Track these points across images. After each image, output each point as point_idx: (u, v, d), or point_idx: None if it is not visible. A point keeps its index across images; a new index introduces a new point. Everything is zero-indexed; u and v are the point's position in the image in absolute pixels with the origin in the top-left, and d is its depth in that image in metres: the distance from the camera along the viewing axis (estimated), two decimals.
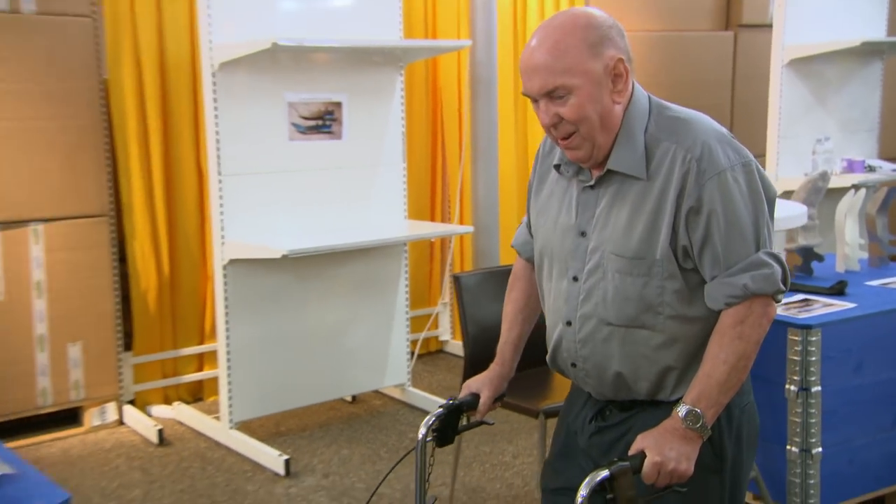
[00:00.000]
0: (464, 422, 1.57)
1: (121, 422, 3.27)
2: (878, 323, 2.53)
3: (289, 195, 3.13)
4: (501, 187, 4.17)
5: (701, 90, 4.80)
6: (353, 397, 3.53)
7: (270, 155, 3.07)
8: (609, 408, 1.45)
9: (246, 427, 3.09)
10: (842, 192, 3.20)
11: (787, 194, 2.95)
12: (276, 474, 2.84)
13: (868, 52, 4.18)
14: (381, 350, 3.44)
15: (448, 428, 1.52)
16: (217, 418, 3.17)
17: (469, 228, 3.87)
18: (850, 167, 4.00)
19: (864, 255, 2.99)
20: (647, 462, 1.22)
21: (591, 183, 1.38)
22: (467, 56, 3.90)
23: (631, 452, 1.26)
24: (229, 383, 3.01)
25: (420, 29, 3.99)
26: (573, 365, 1.45)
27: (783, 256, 1.35)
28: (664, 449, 1.23)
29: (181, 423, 3.32)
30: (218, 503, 2.68)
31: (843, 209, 2.93)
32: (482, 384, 1.56)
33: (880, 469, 2.59)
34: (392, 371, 3.44)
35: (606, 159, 1.35)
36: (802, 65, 4.05)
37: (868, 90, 4.39)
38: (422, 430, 1.49)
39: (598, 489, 1.19)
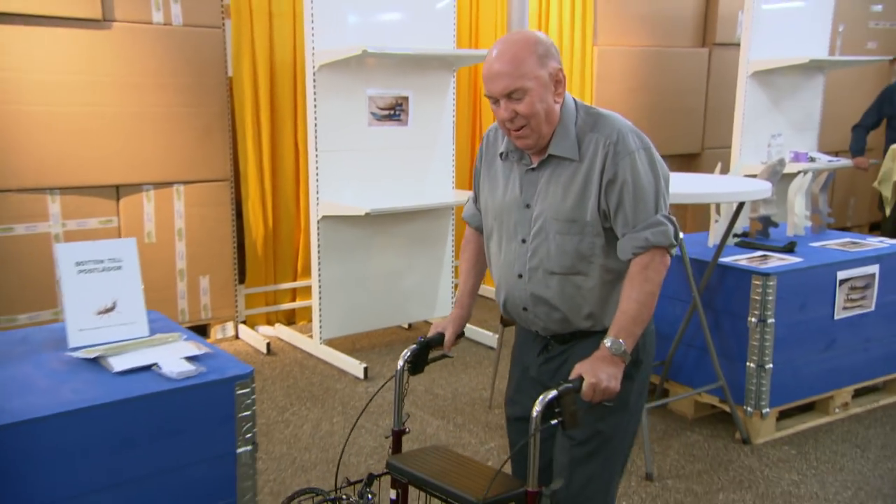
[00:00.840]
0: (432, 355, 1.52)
1: (237, 336, 3.35)
2: (818, 273, 2.52)
3: (367, 167, 3.16)
4: None
5: (682, 95, 4.68)
6: (409, 325, 3.56)
7: (354, 136, 3.09)
8: (551, 342, 1.44)
9: (330, 343, 3.14)
10: (791, 176, 3.17)
11: (752, 176, 2.91)
12: (357, 378, 2.92)
13: (813, 67, 4.06)
14: (431, 289, 3.46)
15: (420, 360, 1.48)
16: (310, 336, 3.24)
17: None
18: (797, 158, 3.92)
19: (808, 223, 2.98)
20: (584, 383, 1.21)
21: (534, 166, 1.37)
22: None
23: (571, 377, 1.23)
24: (320, 309, 3.08)
25: (466, 38, 3.93)
26: (524, 309, 1.42)
27: (674, 219, 1.35)
28: (598, 372, 1.22)
29: (281, 340, 3.39)
30: (315, 396, 2.77)
31: (794, 188, 2.94)
32: (447, 325, 1.52)
33: (814, 381, 2.60)
34: (440, 305, 3.48)
35: (547, 147, 1.35)
36: (762, 76, 3.94)
37: (812, 97, 4.27)
38: (399, 363, 1.47)
39: (549, 406, 1.19)
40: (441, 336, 1.50)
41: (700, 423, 2.59)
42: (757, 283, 2.34)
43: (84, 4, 2.74)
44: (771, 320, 2.34)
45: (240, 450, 1.39)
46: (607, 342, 1.26)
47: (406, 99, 3.21)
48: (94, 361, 1.42)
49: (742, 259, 2.49)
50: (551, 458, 1.40)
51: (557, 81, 1.30)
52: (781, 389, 2.45)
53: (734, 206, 2.51)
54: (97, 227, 2.92)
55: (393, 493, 1.39)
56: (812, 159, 3.97)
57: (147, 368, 1.38)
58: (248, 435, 1.40)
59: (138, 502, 1.31)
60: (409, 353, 1.45)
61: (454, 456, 1.46)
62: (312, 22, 2.89)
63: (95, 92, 2.84)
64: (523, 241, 1.38)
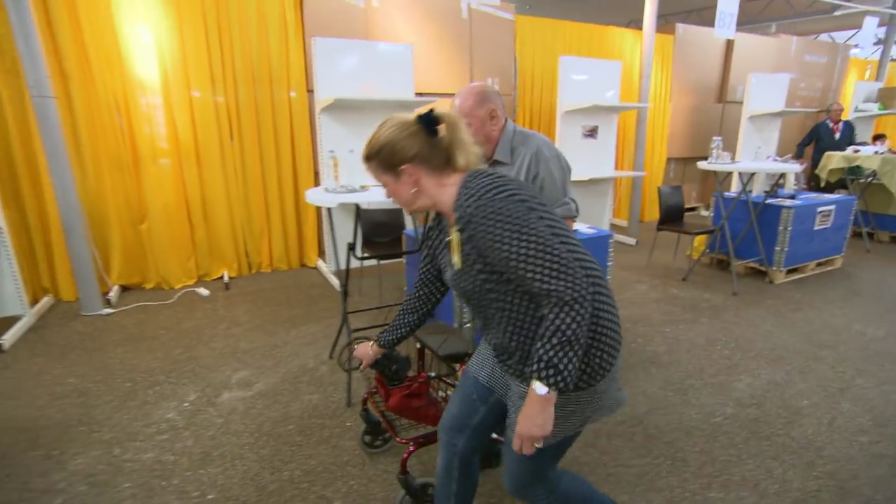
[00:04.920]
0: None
1: None
2: (807, 209, 4.31)
3: None
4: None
5: (708, 135, 6.79)
6: None
7: None
8: None
9: None
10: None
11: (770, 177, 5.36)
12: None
13: (778, 114, 5.91)
14: None
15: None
16: None
17: (643, 172, 5.55)
18: (773, 159, 6.25)
19: (795, 187, 4.89)
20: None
21: (489, 167, 1.44)
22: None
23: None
24: None
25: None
26: None
27: (575, 199, 1.60)
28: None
29: None
30: None
31: (786, 170, 5.32)
32: None
33: (803, 257, 4.44)
34: None
35: (493, 155, 1.66)
36: (756, 119, 5.86)
37: (775, 129, 6.10)
38: None
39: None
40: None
41: (748, 275, 4.57)
42: (784, 212, 4.26)
43: None
44: (789, 228, 4.29)
45: None
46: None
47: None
48: None
49: (774, 201, 4.47)
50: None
51: (493, 117, 1.59)
52: (790, 259, 4.34)
53: (775, 177, 4.70)
54: None
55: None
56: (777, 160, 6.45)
57: None
58: None
59: None
60: None
61: (448, 329, 1.97)
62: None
63: None
64: None
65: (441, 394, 1.97)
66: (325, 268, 4.68)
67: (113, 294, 4.05)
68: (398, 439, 1.80)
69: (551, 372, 1.02)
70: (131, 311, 3.82)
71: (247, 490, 1.97)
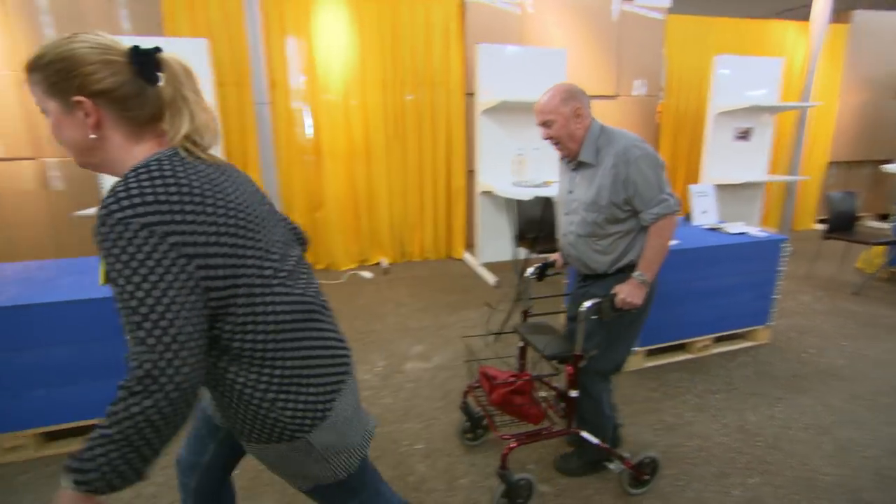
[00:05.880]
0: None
1: None
2: None
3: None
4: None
5: (882, 135, 6.22)
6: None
7: None
8: (582, 278, 1.75)
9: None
10: None
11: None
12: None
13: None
14: None
15: (542, 272, 1.89)
16: None
17: (805, 177, 5.43)
18: None
19: None
20: (617, 297, 1.56)
21: (573, 167, 1.65)
22: None
23: (611, 292, 1.57)
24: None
25: None
26: (568, 256, 1.74)
27: (674, 194, 1.54)
28: (626, 290, 1.55)
29: None
30: None
31: None
32: (557, 256, 1.86)
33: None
34: None
35: (577, 155, 1.61)
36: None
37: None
38: (530, 269, 1.86)
39: (594, 305, 1.55)
40: (553, 262, 1.87)
41: None
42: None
43: None
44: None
45: None
46: (635, 273, 1.55)
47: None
48: None
49: None
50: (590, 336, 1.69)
51: (577, 115, 1.55)
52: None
53: None
54: None
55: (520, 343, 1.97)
56: None
57: None
58: None
59: None
60: (534, 268, 1.88)
61: (551, 329, 1.89)
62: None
63: None
64: (566, 213, 1.70)
65: (543, 394, 1.97)
66: (473, 260, 4.91)
67: None
68: (498, 433, 1.80)
69: None
70: None
71: (450, 444, 2.20)
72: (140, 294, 0.76)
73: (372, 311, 3.76)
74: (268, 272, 0.90)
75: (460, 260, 5.10)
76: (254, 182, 1.00)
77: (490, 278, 4.41)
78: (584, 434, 1.76)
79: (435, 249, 5.15)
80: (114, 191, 0.80)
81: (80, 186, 4.15)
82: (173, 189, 0.81)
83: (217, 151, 4.03)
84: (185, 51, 3.74)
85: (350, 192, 4.80)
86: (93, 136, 0.86)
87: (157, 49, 0.88)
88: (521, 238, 3.96)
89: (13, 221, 4.05)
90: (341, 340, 1.01)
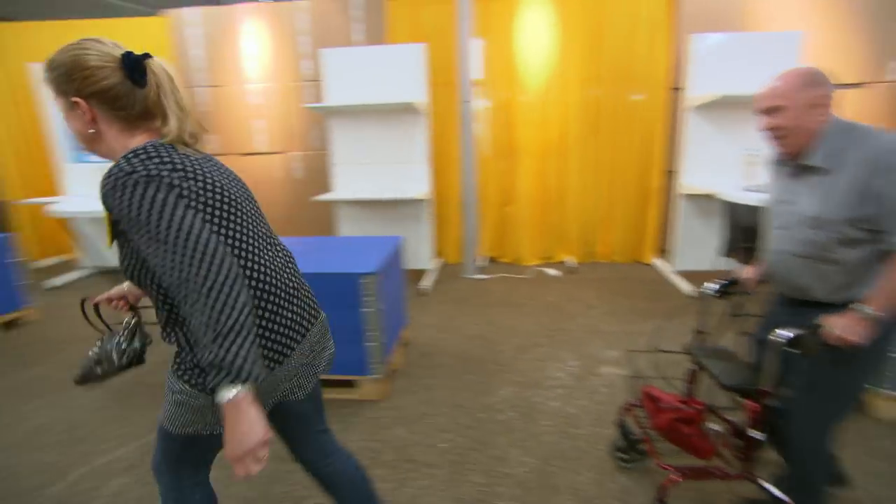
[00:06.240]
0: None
1: None
2: None
3: None
4: None
5: None
6: None
7: None
8: (789, 301, 1.48)
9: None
10: None
11: None
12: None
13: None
14: None
15: (726, 290, 1.67)
16: None
17: None
18: None
19: None
20: (825, 328, 1.27)
21: (792, 171, 1.39)
22: None
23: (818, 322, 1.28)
24: None
25: None
26: (775, 275, 1.48)
27: None
28: (838, 323, 1.26)
29: None
30: None
31: None
32: (749, 272, 1.64)
33: None
34: None
35: (801, 156, 1.33)
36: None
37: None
38: (713, 285, 1.67)
39: (795, 337, 1.28)
40: (739, 279, 1.65)
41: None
42: None
43: None
44: None
45: None
46: (856, 306, 1.26)
47: None
48: None
49: None
50: (784, 377, 1.43)
51: (816, 105, 1.29)
52: None
53: None
54: None
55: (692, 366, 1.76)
56: None
57: None
58: None
59: None
60: (719, 284, 1.68)
61: (732, 355, 1.69)
62: None
63: None
64: (778, 227, 1.45)
65: (716, 427, 1.74)
66: (665, 267, 4.63)
67: (481, 263, 4.80)
68: (660, 464, 1.63)
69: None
70: (497, 279, 4.47)
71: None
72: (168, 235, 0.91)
73: (560, 309, 3.77)
74: (243, 248, 1.02)
75: (649, 265, 4.83)
76: (235, 174, 1.13)
77: (685, 287, 4.12)
78: (772, 489, 1.50)
79: (622, 252, 4.97)
80: (112, 167, 0.94)
81: (317, 175, 4.86)
82: (166, 165, 0.94)
83: (425, 144, 4.48)
84: (404, 55, 4.09)
85: (541, 189, 4.85)
86: (91, 130, 1.01)
87: (147, 55, 1.01)
88: (732, 248, 3.61)
89: (266, 203, 4.91)
90: (300, 324, 1.10)
